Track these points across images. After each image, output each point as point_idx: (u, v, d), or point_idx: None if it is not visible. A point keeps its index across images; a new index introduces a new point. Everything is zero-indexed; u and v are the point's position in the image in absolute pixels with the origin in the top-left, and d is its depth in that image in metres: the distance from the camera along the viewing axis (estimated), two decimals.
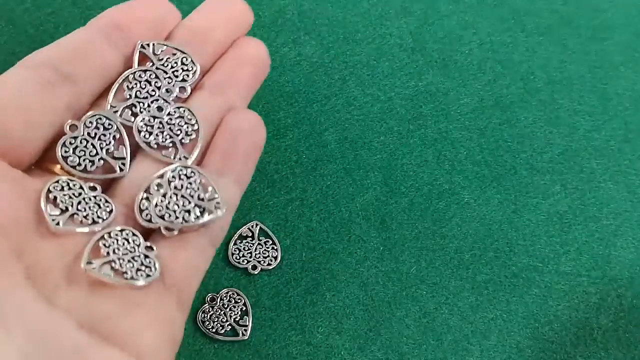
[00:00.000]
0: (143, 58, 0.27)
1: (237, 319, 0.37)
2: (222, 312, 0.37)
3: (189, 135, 0.26)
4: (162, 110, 0.27)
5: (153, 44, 0.27)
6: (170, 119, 0.26)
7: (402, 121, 0.42)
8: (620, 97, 0.44)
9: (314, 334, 0.37)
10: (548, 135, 0.42)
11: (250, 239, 0.38)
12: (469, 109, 0.43)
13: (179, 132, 0.26)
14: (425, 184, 0.40)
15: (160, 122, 0.26)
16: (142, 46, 0.27)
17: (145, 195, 0.25)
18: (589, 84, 0.44)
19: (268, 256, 0.38)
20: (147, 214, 0.24)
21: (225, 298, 0.37)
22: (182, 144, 0.26)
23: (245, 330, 0.36)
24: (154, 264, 0.24)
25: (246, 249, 0.38)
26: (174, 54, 0.27)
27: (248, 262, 0.38)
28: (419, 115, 0.42)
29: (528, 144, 0.42)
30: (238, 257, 0.38)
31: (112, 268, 0.23)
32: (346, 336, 0.37)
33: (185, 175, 0.25)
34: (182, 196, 0.25)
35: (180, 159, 0.26)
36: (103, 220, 0.24)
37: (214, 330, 0.36)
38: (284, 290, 0.38)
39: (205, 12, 0.29)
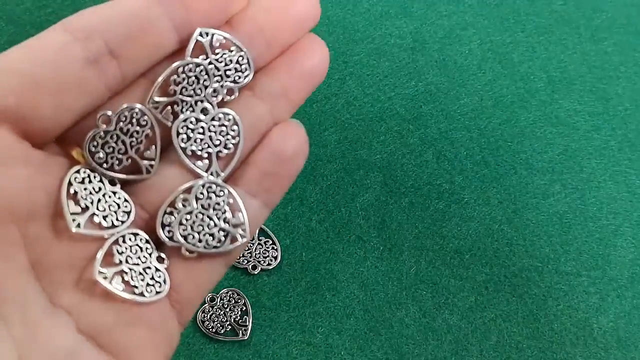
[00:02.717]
0: (198, 46, 0.24)
1: (237, 319, 0.37)
2: (222, 312, 0.37)
3: (227, 148, 0.24)
4: (206, 113, 0.24)
5: (213, 35, 0.24)
6: (213, 126, 0.24)
7: (402, 121, 0.42)
8: (620, 97, 0.44)
9: (314, 334, 0.37)
10: (548, 135, 0.42)
11: (251, 238, 0.38)
12: (469, 109, 0.43)
13: (218, 142, 0.24)
14: (425, 184, 0.40)
15: (202, 127, 0.24)
16: (201, 34, 0.24)
17: (169, 209, 0.23)
18: (589, 84, 0.44)
19: (268, 256, 0.38)
20: (169, 231, 0.23)
21: (225, 298, 0.37)
22: (218, 157, 0.24)
23: (245, 330, 0.36)
24: (164, 280, 0.23)
25: (246, 248, 0.38)
26: (231, 50, 0.24)
27: (248, 262, 0.38)
28: (419, 115, 0.42)
29: (528, 144, 0.42)
30: (238, 257, 0.38)
31: (123, 280, 0.22)
32: (346, 336, 0.37)
33: (214, 193, 0.24)
34: (208, 217, 0.23)
35: (212, 173, 0.24)
36: (122, 223, 0.23)
37: (214, 330, 0.36)
38: (284, 290, 0.38)
39: (275, 3, 0.24)
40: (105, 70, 0.21)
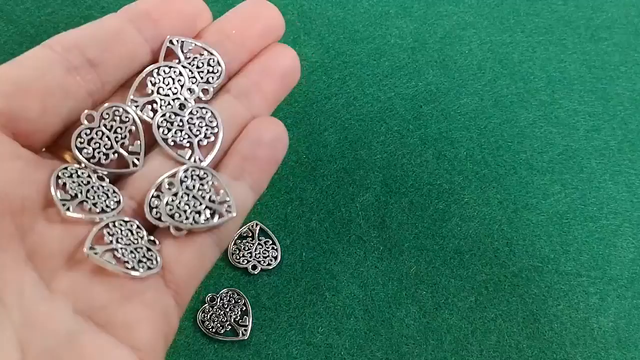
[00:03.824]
0: (170, 53, 0.26)
1: (237, 319, 0.37)
2: (222, 312, 0.37)
3: (207, 137, 0.26)
4: (183, 108, 0.26)
5: (182, 41, 0.26)
6: (191, 119, 0.26)
7: (402, 121, 0.42)
8: (620, 97, 0.44)
9: (314, 334, 0.37)
10: (548, 135, 0.42)
11: (250, 238, 0.38)
12: (469, 109, 0.43)
13: (197, 132, 0.26)
14: (425, 184, 0.40)
15: (181, 120, 0.26)
16: (171, 41, 0.26)
17: (155, 193, 0.24)
18: (589, 84, 0.44)
19: (268, 256, 0.38)
20: (156, 212, 0.24)
21: (225, 298, 0.37)
22: (199, 145, 0.26)
23: (245, 330, 0.36)
24: (156, 258, 0.23)
25: (246, 248, 0.38)
26: (202, 54, 0.26)
27: (248, 262, 0.38)
28: (419, 115, 0.42)
29: (528, 144, 0.42)
30: (238, 257, 0.38)
31: (114, 256, 0.22)
32: (346, 336, 0.37)
33: (198, 176, 0.25)
34: (194, 197, 0.24)
35: (195, 160, 0.25)
36: (111, 209, 0.23)
37: (214, 330, 0.36)
38: (284, 290, 0.38)
39: (239, 16, 0.27)
40: (86, 77, 0.24)
